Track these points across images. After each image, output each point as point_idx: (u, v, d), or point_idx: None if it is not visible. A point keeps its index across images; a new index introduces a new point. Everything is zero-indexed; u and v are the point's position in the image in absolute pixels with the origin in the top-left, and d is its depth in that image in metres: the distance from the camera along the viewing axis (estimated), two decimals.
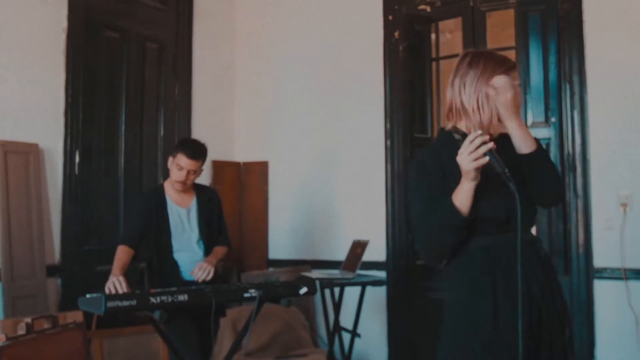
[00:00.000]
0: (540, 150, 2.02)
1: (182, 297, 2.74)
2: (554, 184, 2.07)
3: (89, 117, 4.32)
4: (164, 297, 2.69)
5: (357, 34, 4.84)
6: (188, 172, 3.46)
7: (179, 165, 3.44)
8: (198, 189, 3.68)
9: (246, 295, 2.91)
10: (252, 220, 5.32)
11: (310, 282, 3.10)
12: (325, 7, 5.05)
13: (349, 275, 3.72)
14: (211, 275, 3.35)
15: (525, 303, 1.91)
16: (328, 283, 3.53)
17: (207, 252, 3.58)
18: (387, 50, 4.62)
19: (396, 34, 4.57)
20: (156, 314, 2.65)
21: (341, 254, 4.59)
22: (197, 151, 3.50)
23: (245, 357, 4.19)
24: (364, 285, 3.65)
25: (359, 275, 3.74)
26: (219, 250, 3.61)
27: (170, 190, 3.57)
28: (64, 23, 4.17)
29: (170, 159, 3.53)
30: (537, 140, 2.02)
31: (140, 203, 3.58)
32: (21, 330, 2.37)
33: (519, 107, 2.06)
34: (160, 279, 3.49)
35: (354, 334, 3.81)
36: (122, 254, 3.38)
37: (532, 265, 1.99)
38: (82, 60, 4.26)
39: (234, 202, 5.32)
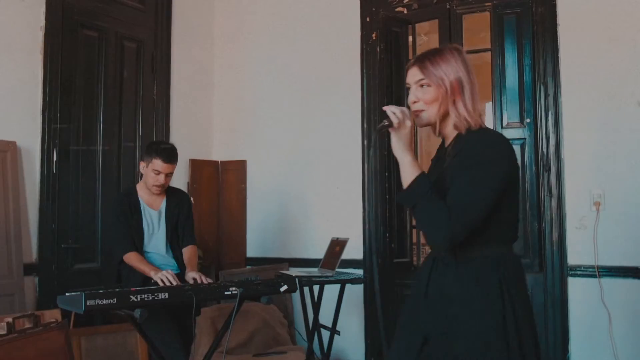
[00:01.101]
0: (411, 190, 1.94)
1: (163, 295, 2.69)
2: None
3: (66, 116, 4.21)
4: (144, 295, 2.63)
5: (335, 35, 4.80)
6: (166, 176, 3.50)
7: (155, 170, 3.47)
8: (169, 192, 3.71)
9: (227, 293, 2.87)
10: (229, 218, 5.25)
11: (290, 280, 3.05)
12: (303, 7, 5.00)
13: (328, 273, 3.67)
14: (207, 279, 3.32)
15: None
16: (308, 281, 3.48)
17: (173, 250, 3.62)
18: (364, 52, 4.59)
19: (374, 35, 4.54)
20: (136, 313, 2.58)
21: (318, 252, 4.54)
22: (172, 154, 3.54)
23: (224, 355, 4.14)
24: (343, 283, 3.61)
25: (338, 273, 3.70)
26: (193, 256, 3.63)
27: (143, 193, 3.62)
28: (41, 22, 4.07)
29: (143, 164, 3.55)
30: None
31: (117, 207, 3.57)
32: (2, 330, 2.27)
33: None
34: (130, 280, 3.48)
35: (334, 331, 3.76)
36: (135, 259, 3.41)
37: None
38: (60, 59, 4.16)
39: (212, 200, 5.25)
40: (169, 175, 3.53)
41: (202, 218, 5.14)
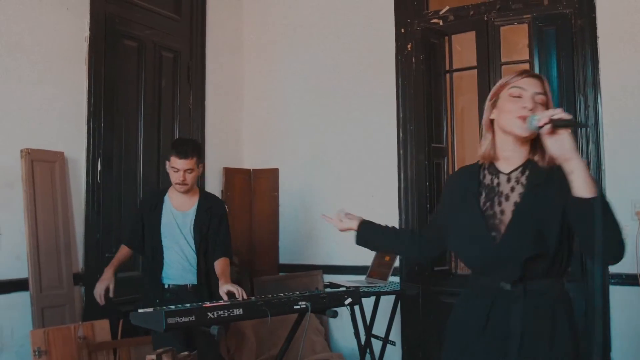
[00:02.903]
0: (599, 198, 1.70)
1: (238, 311, 2.59)
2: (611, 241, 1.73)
3: (109, 125, 4.12)
4: (220, 312, 2.53)
5: (368, 45, 4.72)
6: (184, 172, 3.34)
7: (174, 167, 3.35)
8: (204, 196, 3.56)
9: (296, 307, 2.78)
10: (262, 225, 5.16)
11: (355, 293, 2.97)
12: (335, 18, 4.91)
13: (380, 283, 3.59)
14: (244, 293, 3.16)
15: None
16: (366, 292, 3.40)
17: (199, 258, 3.44)
18: (399, 62, 4.51)
19: (409, 46, 4.46)
20: (213, 330, 2.49)
21: (351, 260, 4.49)
22: (187, 149, 3.36)
23: None
24: (398, 294, 3.53)
25: (391, 283, 3.63)
26: (226, 267, 3.44)
27: (173, 193, 3.49)
28: (86, 32, 3.97)
29: (167, 164, 3.44)
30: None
31: (140, 203, 3.57)
32: None
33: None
34: (148, 278, 3.51)
35: (387, 341, 3.68)
36: (119, 252, 3.53)
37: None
38: (103, 69, 4.07)
39: (245, 208, 5.15)
40: (188, 172, 3.35)
41: (235, 226, 5.03)
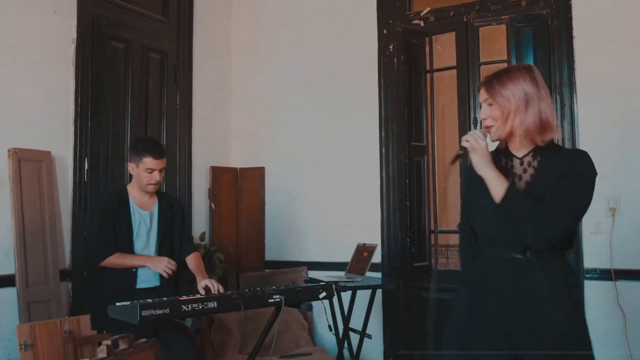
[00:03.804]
0: (506, 200, 2.03)
1: (212, 304, 2.64)
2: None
3: (96, 125, 4.17)
4: (194, 305, 2.59)
5: (352, 46, 4.78)
6: (159, 172, 3.33)
7: (148, 169, 3.28)
8: (160, 195, 3.53)
9: (270, 300, 2.83)
10: (249, 223, 5.21)
11: (327, 288, 3.02)
12: (321, 20, 4.97)
13: (358, 278, 3.65)
14: (221, 287, 3.17)
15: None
16: (343, 287, 3.45)
17: (165, 255, 3.37)
18: (381, 63, 4.56)
19: (391, 47, 4.51)
20: (188, 322, 2.55)
21: (336, 256, 4.55)
22: (161, 149, 3.37)
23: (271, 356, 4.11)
24: (374, 288, 3.58)
25: (369, 278, 3.68)
26: (199, 263, 3.44)
27: (135, 193, 3.42)
28: (73, 34, 4.02)
29: (132, 165, 3.35)
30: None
31: (105, 205, 3.35)
32: (102, 354, 2.23)
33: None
34: (115, 282, 3.29)
35: (364, 334, 3.74)
36: (119, 257, 3.27)
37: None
38: (90, 70, 4.12)
39: (232, 206, 5.20)
40: (162, 171, 3.35)
41: (223, 223, 5.10)
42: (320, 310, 4.29)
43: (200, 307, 2.59)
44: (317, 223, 4.90)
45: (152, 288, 3.31)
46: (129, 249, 3.30)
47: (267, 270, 5.07)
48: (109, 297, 2.98)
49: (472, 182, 2.22)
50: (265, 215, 5.19)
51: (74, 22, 4.01)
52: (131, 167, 3.35)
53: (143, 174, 3.29)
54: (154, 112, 4.67)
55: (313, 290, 2.99)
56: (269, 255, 5.17)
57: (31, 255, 3.66)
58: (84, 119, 4.06)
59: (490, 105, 2.10)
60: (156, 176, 3.30)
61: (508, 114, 2.05)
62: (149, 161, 3.26)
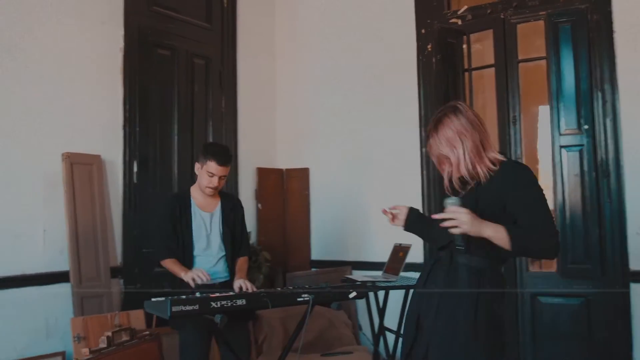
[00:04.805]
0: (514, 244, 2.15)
1: (241, 302, 2.73)
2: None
3: (144, 130, 4.36)
4: (224, 302, 2.68)
5: (392, 48, 4.80)
6: (219, 178, 3.38)
7: (209, 172, 3.35)
8: (223, 196, 3.58)
9: (299, 299, 2.89)
10: (294, 223, 5.31)
11: (360, 287, 3.06)
12: (360, 22, 5.02)
13: (392, 278, 3.67)
14: (253, 287, 3.26)
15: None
16: (373, 287, 3.48)
17: (227, 256, 3.48)
18: (420, 63, 4.57)
19: (429, 46, 4.51)
20: (217, 318, 2.64)
21: (379, 256, 4.56)
22: (227, 157, 3.41)
23: (293, 354, 4.19)
24: (407, 289, 3.59)
25: (402, 278, 3.69)
26: (244, 264, 3.53)
27: (197, 195, 3.48)
28: (120, 43, 4.22)
29: (198, 166, 3.43)
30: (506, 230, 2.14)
31: (165, 208, 3.43)
32: (102, 344, 2.37)
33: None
34: (179, 281, 3.32)
35: (399, 334, 3.75)
36: (171, 264, 3.34)
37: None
38: (138, 78, 4.31)
39: (278, 206, 5.31)
40: (222, 178, 3.40)
41: (269, 223, 5.22)
42: (366, 310, 4.32)
43: (229, 304, 2.68)
44: (361, 223, 4.94)
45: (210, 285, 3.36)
46: (189, 250, 3.39)
47: (312, 270, 5.15)
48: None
49: None
50: (310, 215, 5.27)
51: (122, 32, 4.21)
52: (197, 167, 3.45)
53: (204, 175, 3.37)
54: (200, 116, 4.83)
55: (343, 290, 3.03)
56: (315, 255, 5.25)
57: (84, 253, 3.87)
58: (132, 124, 4.25)
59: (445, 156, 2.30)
60: (215, 181, 3.36)
61: (459, 155, 2.26)
62: (212, 165, 3.33)
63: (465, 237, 2.15)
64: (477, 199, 2.23)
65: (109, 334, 2.33)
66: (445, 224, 2.11)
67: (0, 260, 3.50)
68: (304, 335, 4.36)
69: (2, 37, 3.59)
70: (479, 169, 2.24)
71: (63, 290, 3.76)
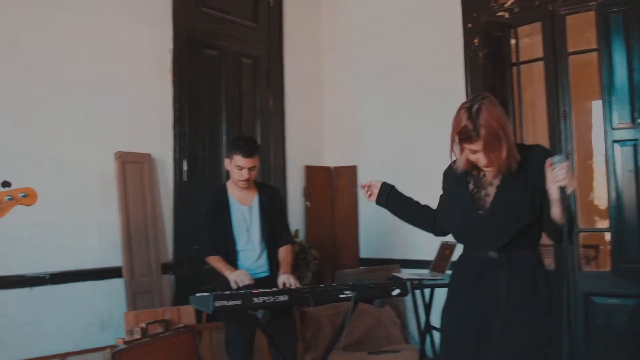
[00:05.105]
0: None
1: (283, 297, 2.76)
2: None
3: (194, 129, 4.45)
4: (266, 297, 2.71)
5: (438, 42, 4.75)
6: (249, 170, 3.40)
7: (238, 165, 3.38)
8: (260, 187, 3.59)
9: (342, 296, 2.89)
10: (343, 221, 5.32)
11: (402, 284, 3.04)
12: (406, 18, 4.99)
13: (439, 276, 3.63)
14: (297, 283, 3.29)
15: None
16: (419, 284, 3.46)
17: (269, 249, 3.49)
18: (467, 58, 4.50)
19: (475, 41, 4.44)
20: (259, 313, 2.67)
21: (428, 254, 4.50)
22: (251, 148, 3.41)
23: (340, 352, 4.21)
24: None
25: (448, 276, 3.64)
26: (287, 255, 3.52)
27: (233, 189, 3.51)
28: (169, 44, 4.31)
29: (227, 161, 3.47)
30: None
31: (206, 205, 3.50)
32: (137, 335, 2.44)
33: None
34: (222, 277, 3.38)
35: None
36: (215, 261, 3.40)
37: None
38: (186, 78, 4.40)
39: (326, 204, 5.33)
40: (252, 169, 3.40)
41: (317, 221, 5.25)
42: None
43: (272, 299, 2.71)
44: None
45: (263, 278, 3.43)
46: (231, 244, 3.42)
47: (361, 268, 5.15)
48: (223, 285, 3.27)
49: (450, 185, 2.49)
50: (358, 213, 5.27)
51: (170, 33, 4.31)
52: (226, 163, 3.49)
53: (234, 170, 3.41)
54: (248, 114, 4.90)
55: (385, 287, 3.01)
56: (363, 253, 5.25)
57: (136, 249, 3.98)
58: (182, 123, 4.35)
59: (486, 152, 2.20)
60: (245, 174, 3.38)
61: (502, 147, 2.19)
62: (238, 158, 3.37)
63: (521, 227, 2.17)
64: (523, 185, 2.22)
65: (143, 325, 2.40)
66: (558, 182, 2.05)
67: (58, 255, 3.63)
68: (351, 333, 4.41)
69: (57, 42, 3.73)
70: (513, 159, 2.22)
71: (116, 285, 3.89)
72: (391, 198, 2.70)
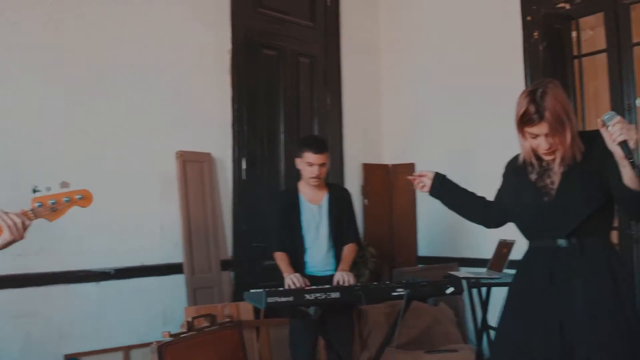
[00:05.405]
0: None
1: (335, 294, 2.78)
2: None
3: (252, 128, 4.53)
4: (318, 294, 2.75)
5: (496, 38, 4.65)
6: (319, 166, 3.47)
7: (308, 162, 3.46)
8: (330, 187, 3.67)
9: (394, 294, 2.89)
10: (401, 219, 5.29)
11: (456, 282, 3.01)
12: (463, 14, 4.91)
13: (496, 275, 3.56)
14: (352, 280, 3.32)
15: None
16: (475, 283, 3.40)
17: (336, 247, 3.55)
18: (526, 52, 4.38)
19: (535, 34, 4.31)
20: (311, 310, 2.70)
21: (487, 253, 4.43)
22: (321, 145, 3.51)
23: (397, 350, 4.20)
24: (510, 286, 3.47)
25: (505, 275, 3.57)
26: (349, 253, 3.55)
27: (305, 189, 3.60)
28: (228, 45, 4.40)
29: (298, 160, 3.55)
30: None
31: (277, 204, 3.62)
32: (183, 328, 2.51)
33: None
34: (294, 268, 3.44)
35: None
36: (279, 259, 3.47)
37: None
38: (245, 78, 4.47)
39: (384, 202, 5.32)
40: (322, 166, 3.49)
41: (375, 219, 5.24)
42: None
43: (324, 296, 2.74)
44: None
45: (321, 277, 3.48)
46: (300, 243, 3.52)
47: (419, 266, 5.11)
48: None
49: (511, 177, 2.43)
50: (417, 211, 5.23)
51: (229, 34, 4.40)
52: (297, 162, 3.59)
53: (305, 167, 3.50)
54: (306, 113, 4.94)
55: (439, 285, 2.99)
56: (422, 251, 5.20)
57: (196, 246, 4.09)
58: (240, 122, 4.43)
59: (549, 136, 2.14)
60: (315, 170, 3.46)
61: (566, 132, 2.13)
62: (308, 155, 3.46)
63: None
64: (588, 170, 2.16)
65: (189, 319, 2.47)
66: (616, 138, 1.96)
67: (123, 252, 3.77)
68: (408, 332, 4.38)
69: (122, 46, 3.87)
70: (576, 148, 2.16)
71: (178, 281, 4.00)
72: (445, 187, 2.64)
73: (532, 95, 2.15)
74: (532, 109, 2.14)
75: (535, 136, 2.18)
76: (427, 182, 2.63)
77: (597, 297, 2.09)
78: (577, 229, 2.14)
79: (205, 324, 2.62)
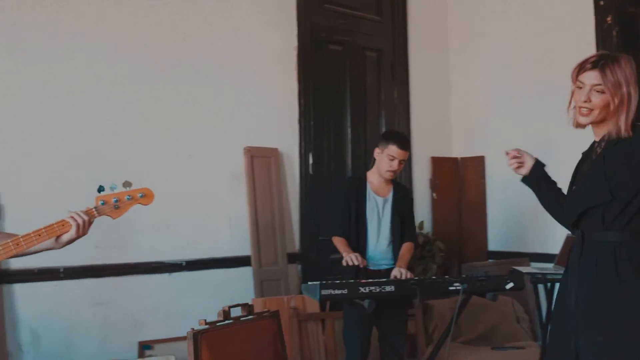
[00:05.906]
0: None
1: (389, 288, 2.80)
2: None
3: (319, 123, 4.58)
4: (372, 288, 2.77)
5: (567, 24, 4.48)
6: (399, 162, 3.48)
7: (391, 155, 3.46)
8: (395, 184, 3.67)
9: (450, 288, 2.87)
10: (470, 212, 5.21)
11: (518, 278, 2.94)
12: (534, 5, 4.76)
13: (562, 270, 3.44)
14: (408, 275, 3.32)
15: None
16: (541, 278, 3.31)
17: (394, 242, 3.54)
18: (599, 37, 4.21)
19: (608, 19, 4.12)
20: (366, 303, 2.73)
21: (556, 248, 4.30)
22: (407, 143, 3.56)
23: (463, 346, 4.15)
24: None
25: None
26: (407, 252, 3.53)
27: (373, 179, 3.61)
28: (294, 42, 4.47)
29: (378, 150, 3.54)
30: None
31: (344, 189, 3.62)
32: (219, 317, 2.58)
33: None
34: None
35: None
36: (339, 242, 3.48)
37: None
38: (311, 73, 4.53)
39: (453, 195, 5.25)
40: (401, 162, 3.51)
41: (444, 212, 5.18)
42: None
43: (378, 290, 2.76)
44: (540, 213, 4.54)
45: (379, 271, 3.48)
46: (362, 230, 3.52)
47: (489, 261, 5.02)
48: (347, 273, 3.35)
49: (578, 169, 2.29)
50: (486, 205, 5.13)
51: (295, 31, 4.47)
52: (377, 152, 3.57)
53: (385, 159, 3.49)
54: (373, 107, 4.95)
55: (499, 280, 2.94)
56: (492, 246, 5.10)
57: (264, 239, 4.19)
58: (307, 117, 4.50)
59: (597, 92, 2.04)
60: (395, 165, 3.47)
61: (610, 105, 2.03)
62: (393, 149, 3.46)
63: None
64: (618, 160, 2.06)
65: (226, 308, 2.53)
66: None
67: (194, 244, 3.93)
68: (476, 328, 4.32)
69: (190, 44, 3.99)
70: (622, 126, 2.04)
71: (246, 273, 4.12)
72: (544, 177, 2.41)
73: (598, 55, 2.12)
74: (594, 58, 2.08)
75: (582, 86, 2.09)
76: (529, 163, 2.39)
77: (594, 298, 2.04)
78: (581, 221, 2.11)
79: (242, 312, 2.68)
